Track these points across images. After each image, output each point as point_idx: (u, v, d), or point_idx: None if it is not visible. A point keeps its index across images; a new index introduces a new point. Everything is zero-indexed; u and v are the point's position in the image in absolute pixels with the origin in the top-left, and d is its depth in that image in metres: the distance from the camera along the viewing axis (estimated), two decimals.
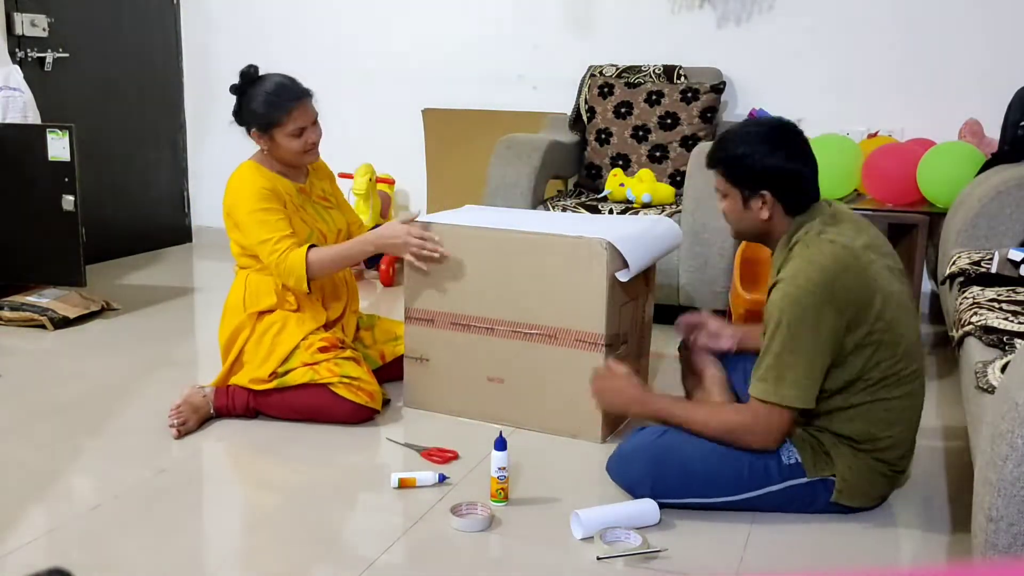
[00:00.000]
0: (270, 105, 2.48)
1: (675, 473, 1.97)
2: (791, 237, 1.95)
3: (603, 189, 3.66)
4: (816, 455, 1.95)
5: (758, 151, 1.95)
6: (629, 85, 3.87)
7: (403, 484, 2.00)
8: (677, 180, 3.66)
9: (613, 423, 2.43)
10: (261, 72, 2.57)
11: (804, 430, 1.98)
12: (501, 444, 2.01)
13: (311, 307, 2.54)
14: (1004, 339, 1.99)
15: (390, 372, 2.68)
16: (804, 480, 1.95)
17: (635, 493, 2.02)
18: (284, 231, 2.43)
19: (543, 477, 2.19)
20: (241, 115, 2.54)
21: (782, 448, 1.96)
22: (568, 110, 4.07)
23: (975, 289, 2.38)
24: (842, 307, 1.85)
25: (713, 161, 2.02)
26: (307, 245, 2.43)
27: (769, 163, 1.94)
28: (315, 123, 2.53)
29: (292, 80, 2.54)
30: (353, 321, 2.71)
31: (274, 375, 2.42)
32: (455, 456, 2.27)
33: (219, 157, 5.06)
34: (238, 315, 2.53)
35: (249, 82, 2.53)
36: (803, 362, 1.85)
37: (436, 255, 2.42)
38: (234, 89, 2.55)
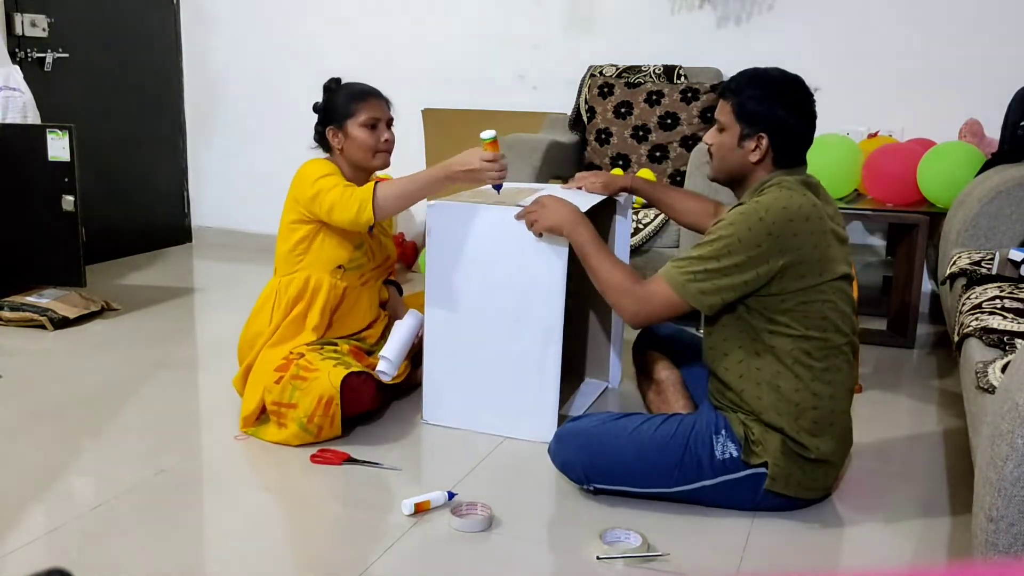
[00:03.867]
0: (348, 96, 2.59)
1: (607, 462, 2.01)
2: (765, 183, 1.99)
3: None
4: (747, 443, 1.98)
5: (773, 95, 1.99)
6: (629, 85, 3.87)
7: (419, 509, 2.00)
8: (677, 180, 3.67)
9: None
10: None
11: (739, 417, 2.00)
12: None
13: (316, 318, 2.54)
14: (1004, 339, 1.99)
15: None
16: (738, 475, 1.98)
17: (569, 476, 2.09)
18: (351, 187, 2.47)
19: (542, 479, 2.19)
20: (323, 121, 2.61)
21: (716, 442, 1.99)
22: (568, 110, 4.07)
23: (977, 290, 2.38)
24: (785, 247, 1.88)
25: (728, 91, 2.05)
26: (372, 184, 2.45)
27: (778, 109, 1.99)
28: (389, 126, 2.61)
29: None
30: (379, 329, 2.73)
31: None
32: (347, 456, 2.27)
33: (219, 157, 5.07)
34: (262, 321, 2.57)
35: (333, 88, 2.64)
36: (721, 274, 1.90)
37: (505, 173, 2.38)
38: (317, 105, 2.65)
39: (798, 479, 1.98)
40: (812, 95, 2.03)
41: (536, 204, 2.24)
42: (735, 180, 2.07)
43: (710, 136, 2.09)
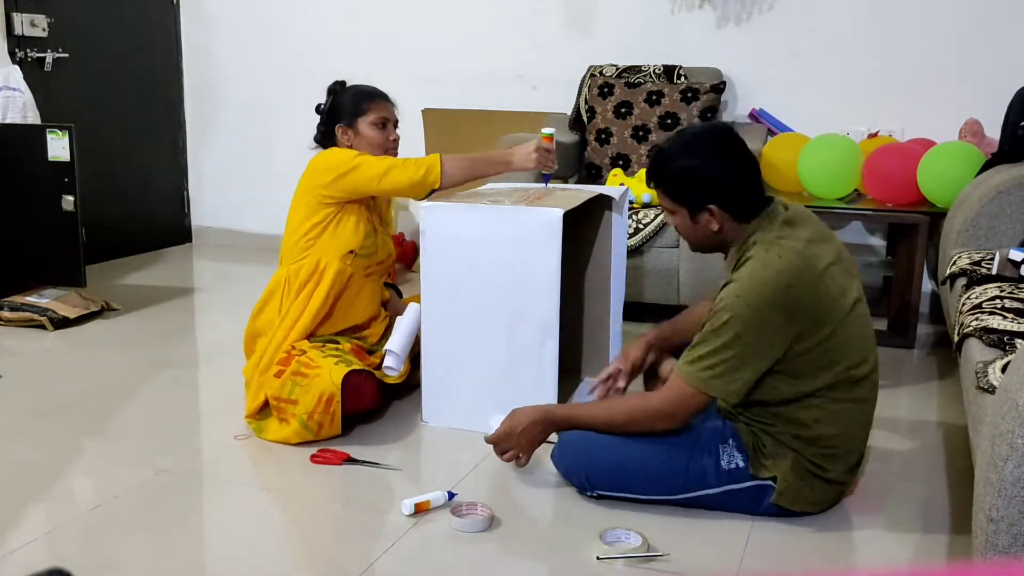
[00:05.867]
0: (358, 96, 2.66)
1: (609, 468, 2.00)
2: (746, 241, 1.92)
3: None
4: (757, 456, 1.96)
5: (697, 164, 1.91)
6: (629, 85, 3.87)
7: (419, 509, 2.00)
8: None
9: None
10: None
11: (751, 429, 1.97)
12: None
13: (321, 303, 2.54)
14: (1004, 339, 1.99)
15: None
16: (743, 485, 1.96)
17: (571, 482, 2.08)
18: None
19: (542, 479, 2.19)
20: (328, 120, 2.67)
21: (723, 451, 1.97)
22: (568, 110, 4.07)
23: (977, 290, 2.38)
24: (793, 315, 1.83)
25: (654, 180, 1.98)
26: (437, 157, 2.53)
27: (711, 176, 1.91)
28: (396, 127, 2.70)
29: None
30: (380, 329, 2.73)
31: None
32: (347, 456, 2.27)
33: (219, 157, 5.07)
34: (271, 310, 2.58)
35: (338, 90, 2.71)
36: (738, 360, 1.85)
37: (555, 166, 2.68)
38: (320, 107, 2.71)
39: (806, 495, 1.96)
40: (734, 135, 1.94)
41: (505, 439, 2.07)
42: (715, 248, 2.02)
43: (667, 217, 2.05)
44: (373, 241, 2.63)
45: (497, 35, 4.37)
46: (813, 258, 1.86)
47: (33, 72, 4.14)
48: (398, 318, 2.63)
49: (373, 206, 2.68)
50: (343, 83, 2.72)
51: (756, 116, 3.96)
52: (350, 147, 2.62)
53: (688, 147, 1.94)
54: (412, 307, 2.63)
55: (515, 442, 2.08)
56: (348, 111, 2.64)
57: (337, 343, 2.55)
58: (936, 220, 3.31)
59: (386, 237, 2.75)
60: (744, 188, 1.94)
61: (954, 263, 2.69)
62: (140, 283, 4.24)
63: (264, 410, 2.45)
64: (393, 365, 2.52)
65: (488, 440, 2.12)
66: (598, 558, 1.81)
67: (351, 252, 2.56)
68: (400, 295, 2.97)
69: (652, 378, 2.49)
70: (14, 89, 3.67)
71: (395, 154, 2.66)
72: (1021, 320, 2.07)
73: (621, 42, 4.15)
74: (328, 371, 2.34)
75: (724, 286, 1.91)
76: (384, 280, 2.82)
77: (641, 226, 3.32)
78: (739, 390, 1.88)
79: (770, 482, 1.95)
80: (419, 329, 2.56)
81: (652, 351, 2.33)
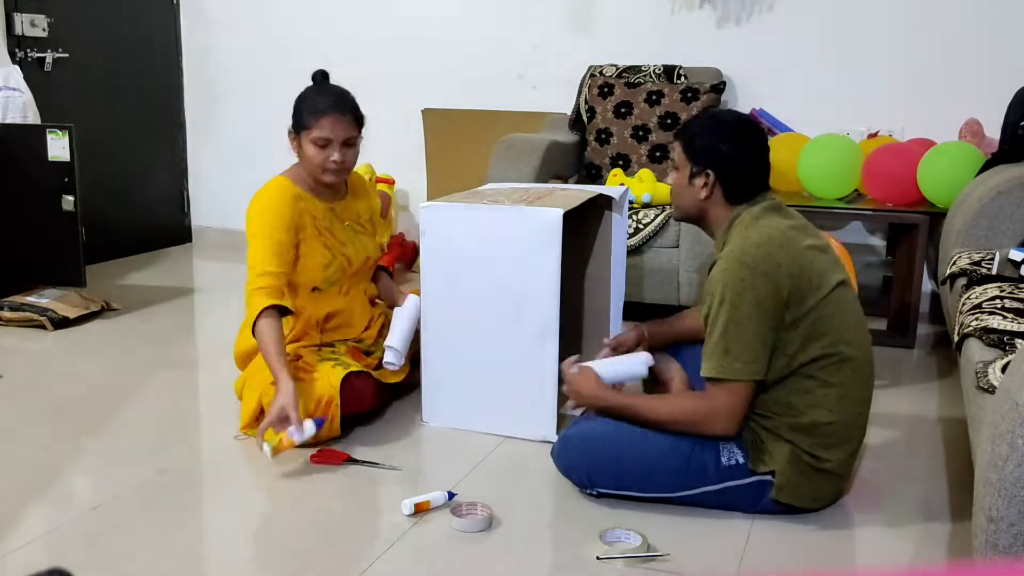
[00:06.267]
0: (307, 107, 2.48)
1: (610, 466, 2.01)
2: (731, 224, 2.03)
3: None
4: (755, 451, 1.97)
5: (717, 133, 2.05)
6: (629, 85, 3.87)
7: (419, 509, 2.00)
8: None
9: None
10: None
11: (749, 425, 1.98)
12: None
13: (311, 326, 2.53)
14: (1005, 339, 1.99)
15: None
16: (743, 481, 1.97)
17: (571, 479, 2.09)
18: (269, 266, 2.35)
19: (542, 479, 2.19)
20: (293, 115, 2.54)
21: (723, 448, 1.98)
22: (568, 110, 4.07)
23: (977, 290, 2.38)
24: (779, 281, 1.89)
25: (678, 132, 2.15)
26: (270, 303, 2.30)
27: (721, 146, 2.03)
28: (346, 144, 2.46)
29: (342, 95, 2.50)
30: (375, 331, 2.69)
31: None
32: (346, 456, 2.26)
33: (219, 157, 5.07)
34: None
35: (318, 81, 2.55)
36: (748, 333, 1.89)
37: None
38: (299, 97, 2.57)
39: (805, 489, 1.97)
40: (763, 133, 2.09)
41: (567, 377, 2.18)
42: (695, 218, 2.13)
43: (671, 175, 2.17)
44: (337, 265, 2.52)
45: (497, 35, 4.37)
46: (793, 237, 1.95)
47: (33, 72, 4.14)
48: (396, 310, 2.60)
49: (331, 228, 2.54)
50: (324, 74, 2.56)
51: (756, 116, 3.96)
52: (298, 153, 2.51)
53: (717, 118, 2.10)
54: (411, 299, 2.61)
55: (569, 393, 2.16)
56: (299, 121, 2.49)
57: (332, 346, 2.54)
58: (936, 220, 3.31)
59: (366, 241, 2.64)
60: (745, 173, 2.05)
61: (954, 263, 2.69)
62: (140, 283, 4.24)
63: (259, 419, 2.43)
64: (393, 360, 2.51)
65: (563, 376, 2.19)
66: (598, 558, 1.81)
67: (315, 289, 2.50)
68: (391, 275, 2.85)
69: (655, 380, 2.48)
70: (14, 89, 3.67)
71: (338, 177, 2.48)
72: (1021, 320, 2.07)
73: (621, 42, 4.15)
74: (326, 374, 2.33)
75: (711, 267, 1.99)
76: (369, 277, 2.74)
77: (641, 226, 3.32)
78: (762, 365, 1.89)
79: (769, 477, 1.96)
80: (419, 322, 2.55)
81: (643, 341, 2.42)
